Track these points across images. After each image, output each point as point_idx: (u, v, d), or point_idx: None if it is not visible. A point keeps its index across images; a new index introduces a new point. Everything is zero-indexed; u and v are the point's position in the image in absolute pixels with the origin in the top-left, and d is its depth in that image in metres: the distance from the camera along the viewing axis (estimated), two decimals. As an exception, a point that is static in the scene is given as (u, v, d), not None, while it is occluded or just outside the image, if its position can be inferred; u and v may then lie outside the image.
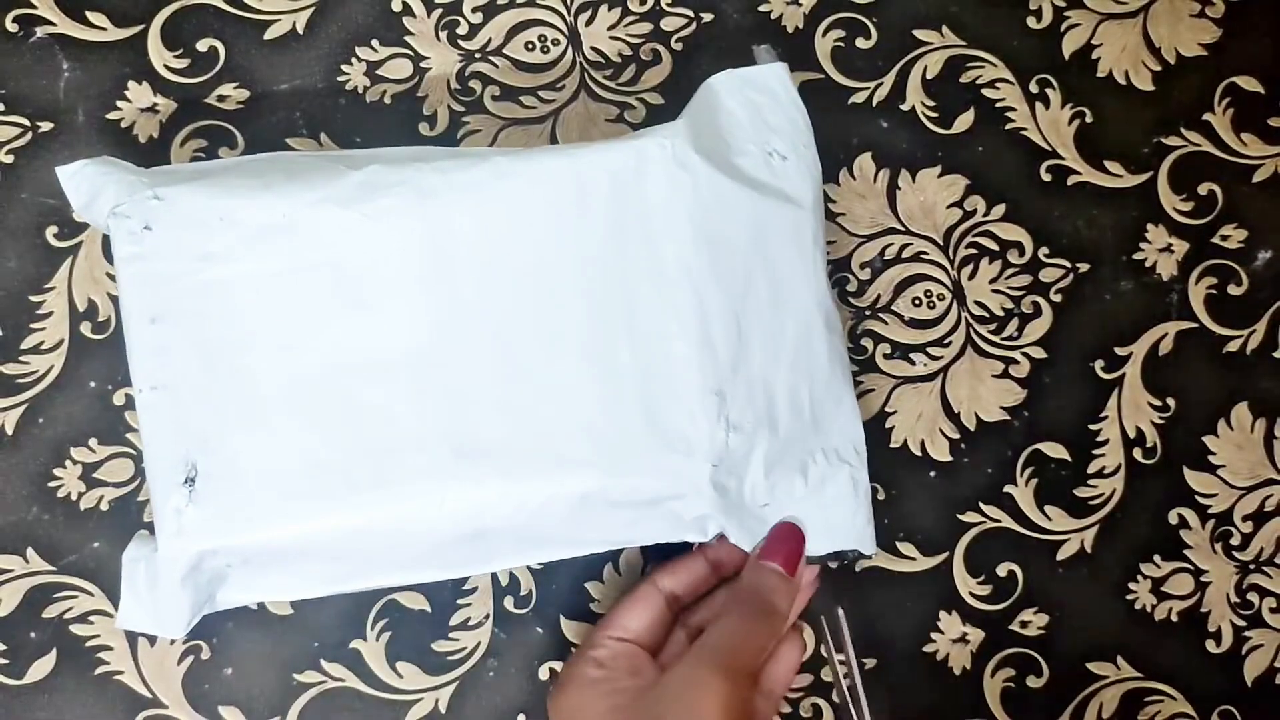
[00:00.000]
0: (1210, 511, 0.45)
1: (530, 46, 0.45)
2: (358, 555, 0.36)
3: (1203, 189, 0.46)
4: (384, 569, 0.37)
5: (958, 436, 0.44)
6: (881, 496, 0.43)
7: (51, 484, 0.41)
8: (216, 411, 0.36)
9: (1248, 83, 0.46)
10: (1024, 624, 0.43)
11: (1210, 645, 0.44)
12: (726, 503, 0.37)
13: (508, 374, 0.37)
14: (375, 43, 0.44)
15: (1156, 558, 0.45)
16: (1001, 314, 0.45)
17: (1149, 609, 0.44)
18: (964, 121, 0.46)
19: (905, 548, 0.43)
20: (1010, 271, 0.45)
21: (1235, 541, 0.45)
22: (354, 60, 0.44)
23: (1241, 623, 0.44)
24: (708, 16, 0.45)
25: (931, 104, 0.45)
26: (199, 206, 0.36)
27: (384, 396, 0.36)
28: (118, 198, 0.36)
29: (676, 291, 0.38)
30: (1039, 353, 0.45)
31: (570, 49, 0.45)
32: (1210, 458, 0.45)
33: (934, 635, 0.43)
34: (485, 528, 0.36)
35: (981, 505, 0.44)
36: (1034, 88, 0.46)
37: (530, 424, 0.36)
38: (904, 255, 0.45)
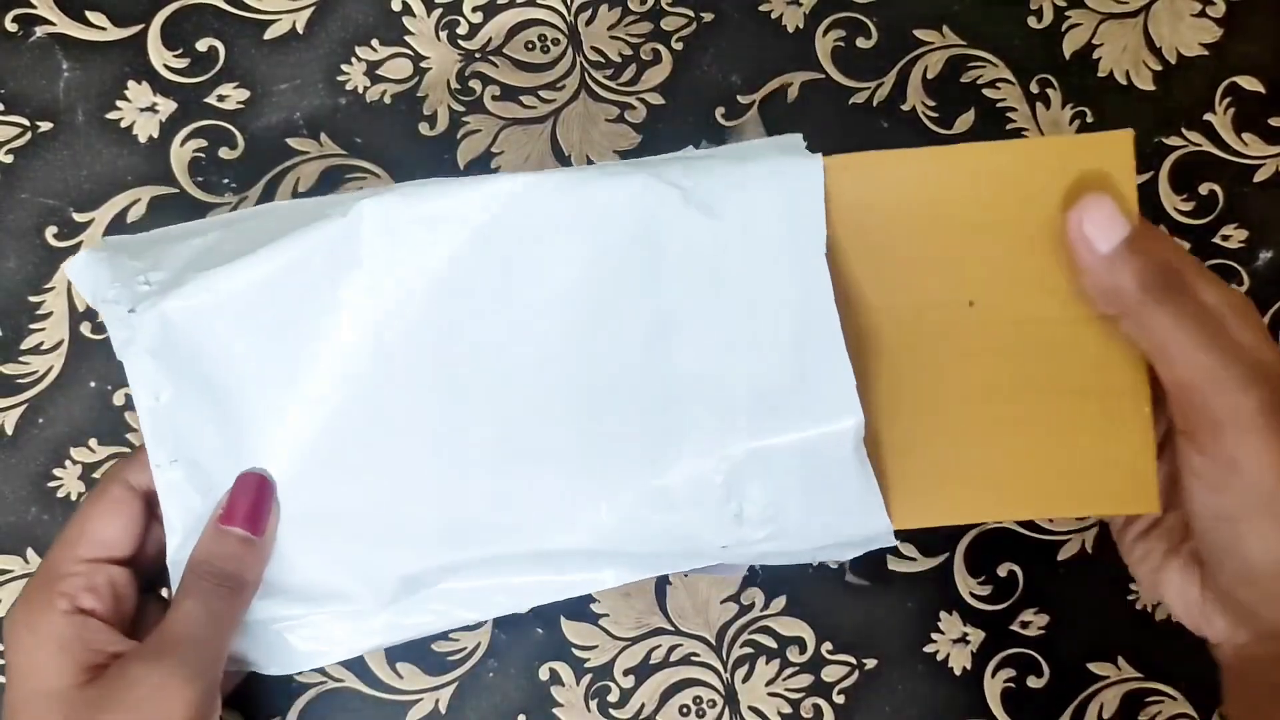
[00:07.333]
0: (1211, 512, 0.45)
1: (530, 46, 0.45)
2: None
3: (1204, 189, 0.46)
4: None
5: (958, 437, 0.44)
6: (882, 497, 0.43)
7: (51, 484, 0.41)
8: (237, 471, 0.35)
9: (1249, 82, 0.46)
10: (1024, 624, 0.43)
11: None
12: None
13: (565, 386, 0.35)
14: (375, 42, 0.44)
15: (1157, 558, 0.44)
16: (1002, 314, 0.45)
17: (1150, 609, 0.43)
18: (965, 122, 0.45)
19: (905, 548, 0.43)
20: (1011, 271, 0.45)
21: (1236, 542, 0.45)
22: (354, 60, 0.44)
23: (1242, 623, 0.44)
24: (708, 16, 0.45)
25: (932, 104, 0.45)
26: (185, 284, 0.34)
27: (385, 457, 0.35)
28: (109, 285, 0.35)
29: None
30: (1039, 353, 0.45)
31: (570, 49, 0.45)
32: (1211, 458, 0.45)
33: (934, 635, 0.43)
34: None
35: (982, 505, 0.44)
36: (1035, 88, 0.46)
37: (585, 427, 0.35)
38: (904, 255, 0.45)
